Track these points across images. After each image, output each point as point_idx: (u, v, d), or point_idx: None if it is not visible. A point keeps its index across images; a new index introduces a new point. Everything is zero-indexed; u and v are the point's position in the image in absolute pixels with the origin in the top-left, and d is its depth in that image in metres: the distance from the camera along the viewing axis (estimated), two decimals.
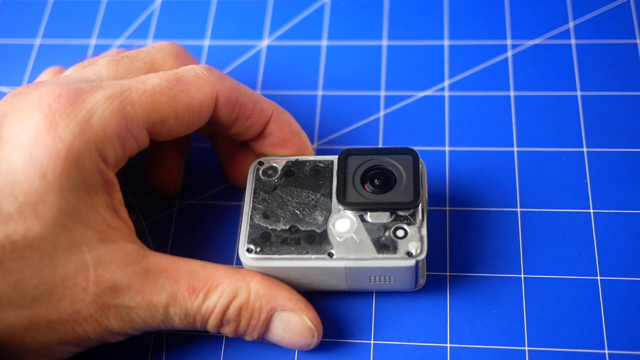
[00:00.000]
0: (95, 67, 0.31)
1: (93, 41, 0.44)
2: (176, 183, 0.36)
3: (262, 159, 0.33)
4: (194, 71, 0.30)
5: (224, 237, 0.36)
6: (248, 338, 0.31)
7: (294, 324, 0.30)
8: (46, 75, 0.37)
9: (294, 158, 0.33)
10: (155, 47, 0.33)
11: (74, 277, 0.27)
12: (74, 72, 0.32)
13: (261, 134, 0.33)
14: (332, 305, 0.33)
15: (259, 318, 0.30)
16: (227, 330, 0.30)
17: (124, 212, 0.29)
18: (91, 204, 0.27)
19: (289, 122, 0.33)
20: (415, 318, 0.33)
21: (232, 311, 0.29)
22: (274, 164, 0.33)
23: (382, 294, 0.33)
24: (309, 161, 0.33)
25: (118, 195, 0.29)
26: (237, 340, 0.33)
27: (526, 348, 0.31)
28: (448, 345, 0.32)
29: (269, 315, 0.30)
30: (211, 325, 0.29)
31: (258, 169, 0.33)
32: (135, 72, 0.31)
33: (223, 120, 0.32)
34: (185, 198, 0.37)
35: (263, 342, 0.31)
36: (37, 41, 0.44)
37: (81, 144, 0.27)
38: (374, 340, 0.32)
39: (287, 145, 0.33)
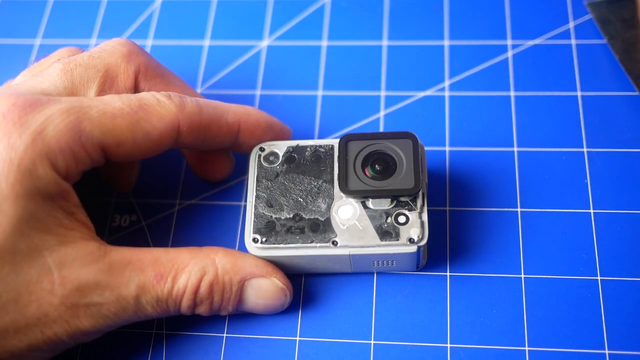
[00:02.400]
0: (49, 78, 0.31)
1: (93, 41, 0.44)
2: (130, 180, 0.36)
3: (263, 145, 0.33)
4: (155, 99, 0.30)
5: (224, 237, 0.36)
6: (223, 313, 0.31)
7: (266, 288, 0.31)
8: (60, 53, 0.36)
9: (294, 143, 0.33)
10: (106, 51, 0.32)
11: (38, 281, 0.27)
12: (27, 79, 0.31)
13: (235, 144, 0.33)
14: (332, 305, 0.33)
15: (231, 291, 0.30)
16: (202, 310, 0.31)
17: (82, 214, 0.29)
18: (47, 210, 0.27)
19: (258, 123, 0.33)
20: (415, 318, 0.33)
21: (203, 289, 0.30)
22: (275, 150, 0.33)
23: (383, 291, 0.33)
24: (310, 146, 0.33)
25: (74, 199, 0.29)
26: (237, 340, 0.33)
27: (526, 348, 0.31)
28: (448, 345, 0.32)
29: (240, 285, 0.31)
30: (185, 307, 0.30)
31: (259, 155, 0.33)
32: (90, 81, 0.31)
33: (189, 145, 0.32)
34: (185, 198, 0.37)
35: (238, 314, 0.32)
36: (37, 41, 0.44)
37: (33, 153, 0.27)
38: (374, 340, 0.32)
39: (263, 140, 0.34)
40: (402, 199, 0.31)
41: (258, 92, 0.40)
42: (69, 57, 0.32)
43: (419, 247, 0.30)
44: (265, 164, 0.33)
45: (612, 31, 0.38)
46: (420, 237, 0.30)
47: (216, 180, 0.37)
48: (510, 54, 0.40)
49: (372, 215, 0.31)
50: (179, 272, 0.29)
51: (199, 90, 0.41)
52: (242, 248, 0.34)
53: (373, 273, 0.34)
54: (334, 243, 0.30)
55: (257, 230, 0.31)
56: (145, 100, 0.30)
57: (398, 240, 0.30)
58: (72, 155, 0.28)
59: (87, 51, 0.33)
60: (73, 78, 0.31)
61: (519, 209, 0.35)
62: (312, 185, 0.32)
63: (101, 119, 0.28)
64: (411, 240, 0.30)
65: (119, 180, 0.36)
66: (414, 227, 0.30)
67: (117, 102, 0.29)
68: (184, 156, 0.37)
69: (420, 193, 0.31)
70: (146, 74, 0.33)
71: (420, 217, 0.30)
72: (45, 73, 0.31)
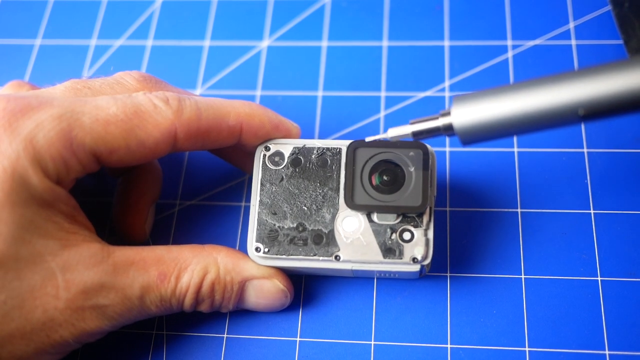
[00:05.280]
0: (50, 90, 0.30)
1: (93, 41, 0.44)
2: (144, 231, 0.35)
3: (268, 144, 0.32)
4: (152, 104, 0.29)
5: (224, 237, 0.36)
6: (224, 310, 0.32)
7: (267, 289, 0.31)
8: (6, 89, 0.35)
9: (301, 143, 0.32)
10: (120, 84, 0.32)
11: (42, 286, 0.27)
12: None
13: (238, 144, 0.32)
14: (333, 305, 0.33)
15: (232, 290, 0.31)
16: (204, 307, 0.31)
17: (82, 216, 0.29)
18: (46, 216, 0.27)
19: (262, 124, 0.32)
20: (415, 318, 0.33)
21: (205, 288, 0.30)
22: (281, 150, 0.32)
23: (383, 291, 0.33)
24: (317, 148, 0.32)
25: (72, 202, 0.29)
26: (237, 340, 0.33)
27: (527, 349, 0.31)
28: (448, 345, 0.32)
29: (241, 286, 0.31)
30: (187, 305, 0.30)
31: (265, 156, 0.32)
32: None
33: (187, 149, 0.31)
34: (185, 199, 0.37)
35: (239, 311, 0.33)
36: (37, 41, 0.44)
37: (25, 161, 0.26)
38: (374, 340, 0.32)
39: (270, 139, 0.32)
40: (409, 214, 0.30)
41: (258, 93, 0.40)
42: (82, 79, 0.31)
43: (422, 266, 0.30)
44: (270, 166, 0.32)
45: (630, 30, 0.38)
46: (424, 256, 0.30)
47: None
48: (510, 54, 0.40)
49: (377, 230, 0.30)
50: (182, 271, 0.30)
51: (198, 91, 0.41)
52: (242, 249, 0.34)
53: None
54: (337, 258, 0.30)
55: (259, 239, 0.31)
56: (141, 105, 0.29)
57: (401, 258, 0.30)
58: (63, 164, 0.27)
59: (102, 78, 0.32)
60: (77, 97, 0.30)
61: (519, 209, 0.35)
62: (317, 193, 0.31)
63: (93, 126, 0.28)
64: (414, 260, 0.30)
65: (133, 229, 0.35)
66: (419, 245, 0.30)
67: (111, 108, 0.28)
68: (218, 156, 0.36)
69: (427, 209, 0.30)
70: None
71: (426, 235, 0.30)
72: (51, 88, 0.30)
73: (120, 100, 0.29)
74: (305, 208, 0.31)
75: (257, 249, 0.31)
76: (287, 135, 0.33)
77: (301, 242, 0.30)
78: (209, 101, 0.31)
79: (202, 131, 0.30)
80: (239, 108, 0.31)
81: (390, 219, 0.30)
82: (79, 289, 0.27)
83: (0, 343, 0.26)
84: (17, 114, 0.27)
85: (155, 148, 0.29)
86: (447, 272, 0.34)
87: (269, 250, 0.30)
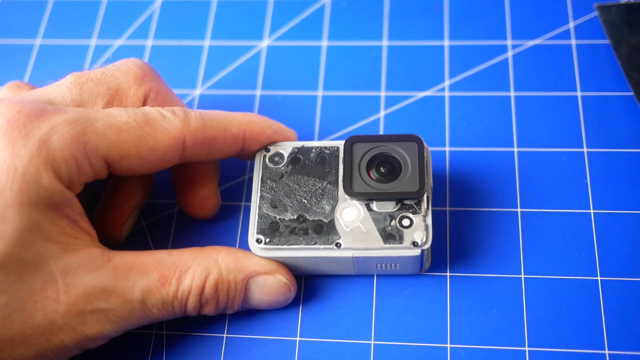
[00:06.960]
0: (58, 89, 0.30)
1: (93, 41, 0.44)
2: (120, 232, 0.34)
3: (268, 146, 0.33)
4: (160, 114, 0.30)
5: (224, 237, 0.36)
6: (229, 311, 0.32)
7: (270, 284, 0.31)
8: (6, 90, 0.35)
9: (299, 144, 0.33)
10: (121, 70, 0.32)
11: (43, 290, 0.27)
12: (37, 89, 0.31)
13: (240, 153, 0.33)
14: (332, 305, 0.33)
15: (235, 289, 0.31)
16: (208, 310, 0.31)
17: (85, 222, 0.29)
18: (51, 219, 0.27)
19: (263, 131, 0.33)
20: (415, 318, 0.33)
21: (208, 290, 0.30)
22: (280, 150, 0.33)
23: (383, 291, 0.33)
24: (315, 147, 0.33)
25: (77, 207, 0.29)
26: (237, 340, 0.33)
27: (526, 348, 0.31)
28: (448, 345, 0.32)
29: (244, 283, 0.31)
30: (190, 307, 0.30)
31: (264, 156, 0.33)
32: (99, 97, 0.31)
33: (195, 158, 0.32)
34: None
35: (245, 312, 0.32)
36: (37, 41, 0.44)
37: (38, 162, 0.26)
38: (374, 340, 0.32)
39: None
40: (407, 202, 0.31)
41: (258, 92, 0.40)
42: (83, 71, 0.32)
43: (422, 251, 0.30)
44: (270, 165, 0.33)
45: (618, 35, 0.38)
46: (424, 240, 0.30)
47: (203, 218, 0.36)
48: (510, 54, 0.40)
49: (376, 218, 0.31)
50: (183, 273, 0.30)
51: (198, 91, 0.41)
52: (243, 247, 0.34)
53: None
54: (338, 245, 0.30)
55: (260, 231, 0.31)
56: (150, 114, 0.30)
57: (402, 243, 0.30)
58: (75, 166, 0.28)
59: (102, 67, 0.33)
60: (82, 91, 0.31)
61: (519, 209, 0.35)
62: (317, 187, 0.32)
63: (106, 132, 0.28)
64: (415, 244, 0.30)
65: (108, 227, 0.34)
66: (418, 230, 0.30)
67: (123, 116, 0.29)
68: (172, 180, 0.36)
69: (425, 196, 0.31)
70: (155, 99, 0.33)
71: (425, 221, 0.30)
72: (55, 84, 0.31)
73: (131, 110, 0.30)
74: (305, 201, 0.31)
75: (258, 240, 0.31)
76: (286, 139, 0.34)
77: (302, 232, 0.31)
78: (211, 112, 0.32)
79: (208, 139, 0.31)
80: (240, 117, 0.33)
81: (389, 207, 0.31)
82: (79, 293, 0.27)
83: (0, 346, 0.26)
84: (32, 117, 0.27)
85: (165, 155, 0.30)
86: (447, 272, 0.34)
87: (270, 241, 0.31)
